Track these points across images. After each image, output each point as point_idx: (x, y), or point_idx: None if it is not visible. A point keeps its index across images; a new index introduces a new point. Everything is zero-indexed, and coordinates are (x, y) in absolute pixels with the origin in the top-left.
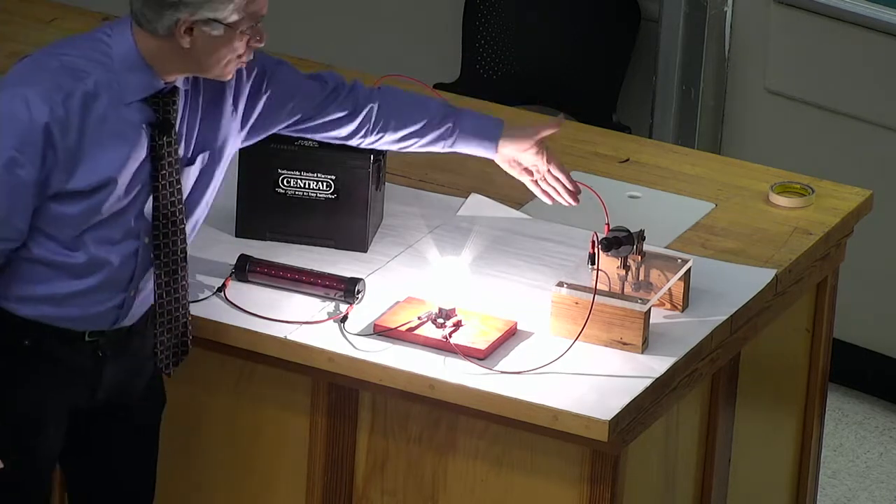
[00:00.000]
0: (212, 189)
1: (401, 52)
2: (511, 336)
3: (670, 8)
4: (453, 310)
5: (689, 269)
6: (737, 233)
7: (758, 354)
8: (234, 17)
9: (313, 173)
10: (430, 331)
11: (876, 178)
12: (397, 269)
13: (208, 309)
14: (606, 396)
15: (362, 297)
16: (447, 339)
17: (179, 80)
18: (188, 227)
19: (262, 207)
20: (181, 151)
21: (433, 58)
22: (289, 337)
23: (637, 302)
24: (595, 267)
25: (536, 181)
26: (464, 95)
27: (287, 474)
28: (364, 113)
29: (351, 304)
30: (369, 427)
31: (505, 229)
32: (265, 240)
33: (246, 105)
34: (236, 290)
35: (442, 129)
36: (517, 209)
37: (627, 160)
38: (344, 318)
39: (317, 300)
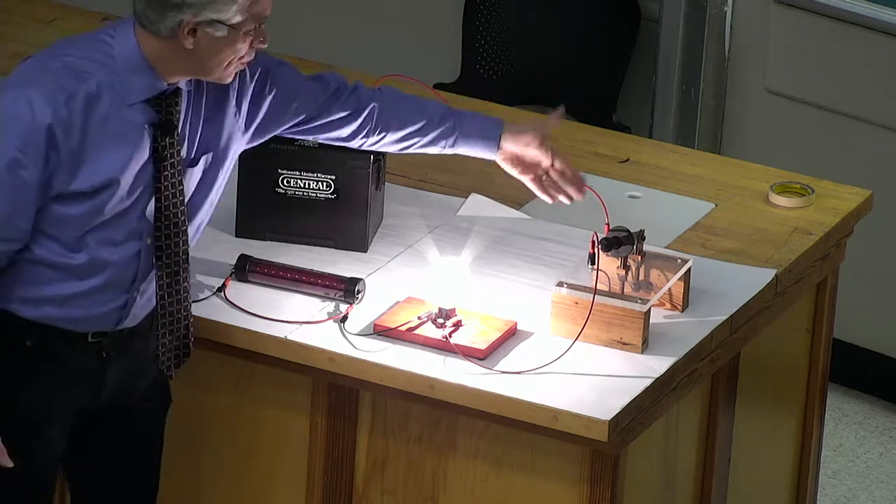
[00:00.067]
0: (215, 191)
1: (401, 52)
2: (511, 336)
3: (670, 8)
4: (453, 310)
5: (689, 269)
6: (737, 233)
7: (758, 354)
8: (237, 19)
9: (313, 173)
10: (430, 331)
11: (876, 178)
12: (397, 269)
13: (208, 309)
14: (606, 396)
15: (362, 297)
16: (447, 339)
17: (182, 82)
18: (191, 229)
19: (262, 207)
20: (184, 152)
21: (433, 58)
22: (289, 337)
23: (637, 302)
24: (595, 267)
25: (539, 179)
26: (464, 95)
27: (287, 474)
28: (366, 113)
29: (351, 304)
30: (369, 427)
31: (505, 229)
32: (265, 240)
33: (250, 106)
34: (236, 290)
35: (442, 129)
36: (517, 209)
37: (627, 160)
38: (344, 318)
39: (317, 300)
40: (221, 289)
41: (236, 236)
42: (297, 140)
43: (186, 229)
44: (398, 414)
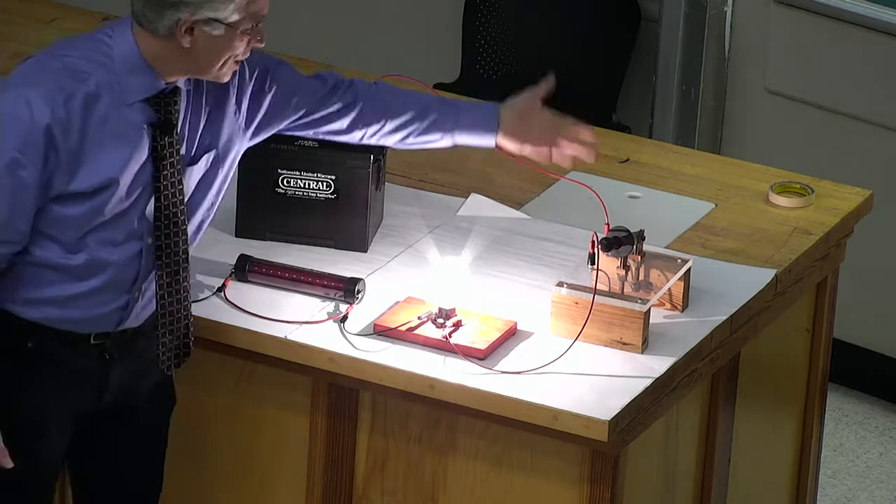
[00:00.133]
0: (216, 190)
1: (401, 52)
2: (511, 336)
3: (670, 8)
4: (453, 310)
5: (688, 269)
6: (737, 233)
7: (758, 354)
8: (234, 17)
9: (313, 173)
10: (430, 331)
11: (876, 178)
12: (397, 269)
13: (208, 309)
14: (606, 396)
15: (362, 297)
16: (447, 339)
17: (181, 81)
18: (192, 228)
19: (262, 207)
20: (184, 152)
21: (433, 58)
22: (289, 337)
23: (637, 302)
24: (595, 267)
25: (549, 149)
26: (464, 95)
27: (287, 474)
28: (362, 103)
29: (351, 304)
30: (369, 427)
31: (505, 229)
32: (265, 240)
33: (250, 104)
34: (236, 290)
35: (439, 117)
36: (517, 209)
37: (627, 160)
38: (344, 318)
39: (317, 300)
40: (221, 289)
41: (236, 236)
42: (298, 140)
43: (186, 228)
44: (398, 414)
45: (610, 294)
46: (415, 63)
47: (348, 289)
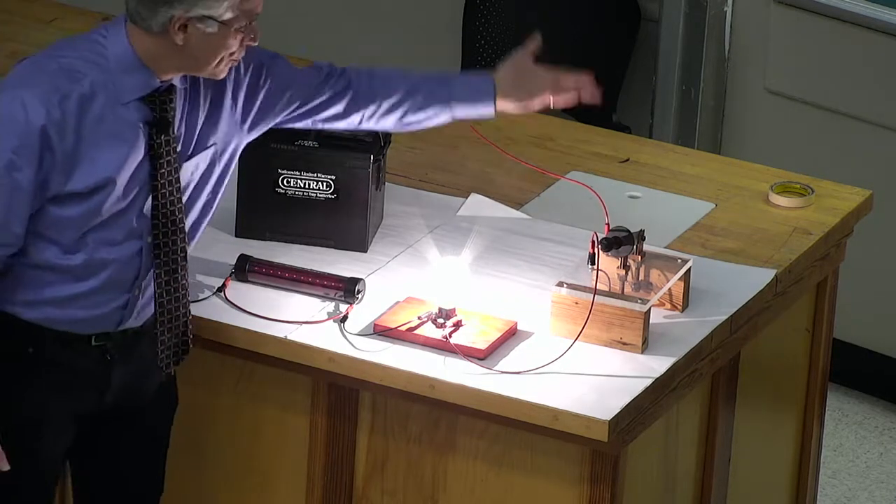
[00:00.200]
0: (214, 187)
1: (401, 51)
2: (511, 336)
3: (670, 8)
4: (453, 310)
5: (689, 269)
6: (737, 233)
7: (758, 354)
8: (228, 15)
9: (313, 173)
10: (430, 331)
11: (876, 178)
12: (397, 269)
13: (208, 309)
14: (606, 396)
15: (362, 297)
16: (447, 339)
17: (176, 79)
18: (190, 226)
19: (262, 207)
20: (182, 149)
21: (433, 58)
22: (289, 337)
23: (637, 302)
24: (595, 267)
25: (550, 97)
26: None
27: (287, 474)
28: (355, 87)
29: (351, 304)
30: (369, 427)
31: (505, 229)
32: (265, 240)
33: (245, 99)
34: (236, 290)
35: (433, 92)
36: (517, 209)
37: (627, 160)
38: (344, 318)
39: (317, 300)
40: (221, 289)
41: (236, 236)
42: (298, 140)
43: (184, 227)
44: (398, 414)
45: (610, 294)
46: (415, 63)
47: (348, 289)
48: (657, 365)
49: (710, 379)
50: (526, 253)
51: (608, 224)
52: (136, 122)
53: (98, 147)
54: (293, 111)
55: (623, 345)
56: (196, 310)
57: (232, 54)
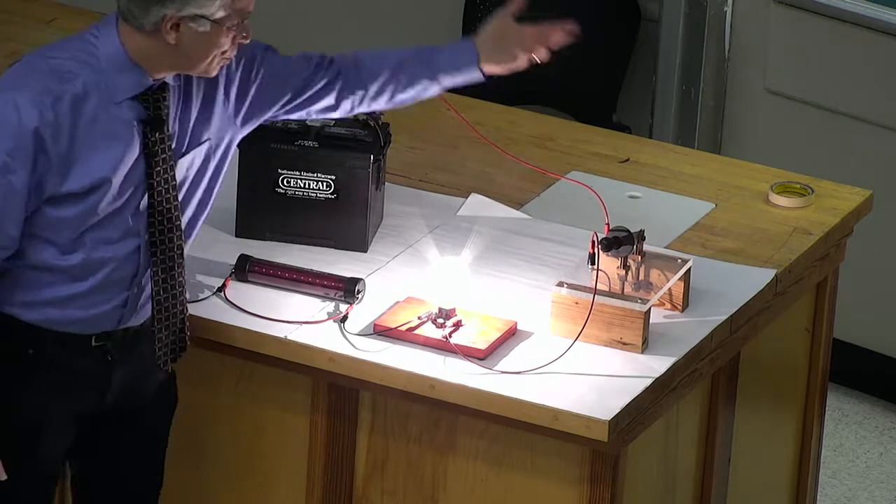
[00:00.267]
0: (210, 183)
1: None
2: (511, 336)
3: (670, 8)
4: (453, 310)
5: (689, 269)
6: (737, 233)
7: (758, 354)
8: (220, 14)
9: (313, 173)
10: (430, 331)
11: (876, 178)
12: (397, 269)
13: (208, 309)
14: (606, 396)
15: (362, 297)
16: (447, 339)
17: (169, 77)
18: (188, 223)
19: (262, 207)
20: (175, 146)
21: None
22: (289, 337)
23: (637, 302)
24: (595, 267)
25: (531, 53)
26: (464, 95)
27: (287, 474)
28: (344, 74)
29: (351, 304)
30: (369, 427)
31: (505, 229)
32: (265, 240)
33: (238, 92)
34: (236, 290)
35: (419, 64)
36: (517, 209)
37: (627, 160)
38: (344, 318)
39: (317, 300)
40: (221, 289)
41: (236, 236)
42: (298, 140)
43: (180, 224)
44: (398, 414)
45: (610, 294)
46: None
47: (348, 289)
48: (657, 365)
49: (710, 379)
50: (526, 253)
51: (608, 224)
52: (130, 121)
53: (93, 147)
54: (286, 104)
55: (623, 345)
56: (196, 310)
57: (224, 52)
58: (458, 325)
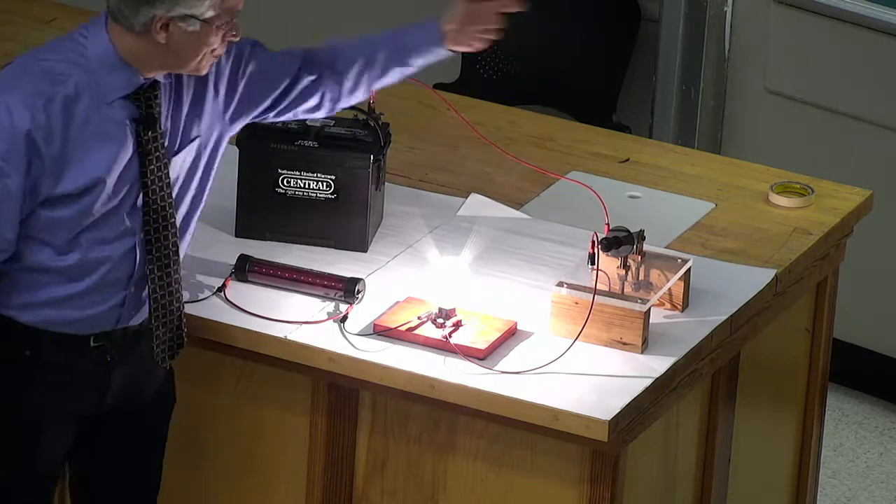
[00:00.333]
0: (201, 180)
1: None
2: (511, 336)
3: (670, 8)
4: (453, 310)
5: (689, 269)
6: (737, 233)
7: (758, 354)
8: (210, 13)
9: (313, 173)
10: (430, 331)
11: (876, 178)
12: (397, 269)
13: (208, 309)
14: (606, 396)
15: (362, 297)
16: (447, 339)
17: (160, 75)
18: (183, 221)
19: (262, 207)
20: (168, 145)
21: None
22: (289, 337)
23: (637, 302)
24: (595, 267)
25: (491, 32)
26: (464, 95)
27: (287, 474)
28: (321, 71)
29: (351, 304)
30: (369, 427)
31: (505, 229)
32: (265, 240)
33: (227, 89)
34: (236, 290)
35: (388, 50)
36: (517, 209)
37: (627, 160)
38: (344, 318)
39: (317, 300)
40: (221, 289)
41: (236, 236)
42: (298, 140)
43: (175, 222)
44: (398, 414)
45: (610, 294)
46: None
47: (348, 289)
48: (657, 365)
49: (710, 379)
50: (526, 253)
51: (608, 224)
52: (123, 121)
53: (86, 148)
54: (274, 104)
55: (623, 345)
56: (196, 310)
57: (214, 51)
58: (457, 325)
